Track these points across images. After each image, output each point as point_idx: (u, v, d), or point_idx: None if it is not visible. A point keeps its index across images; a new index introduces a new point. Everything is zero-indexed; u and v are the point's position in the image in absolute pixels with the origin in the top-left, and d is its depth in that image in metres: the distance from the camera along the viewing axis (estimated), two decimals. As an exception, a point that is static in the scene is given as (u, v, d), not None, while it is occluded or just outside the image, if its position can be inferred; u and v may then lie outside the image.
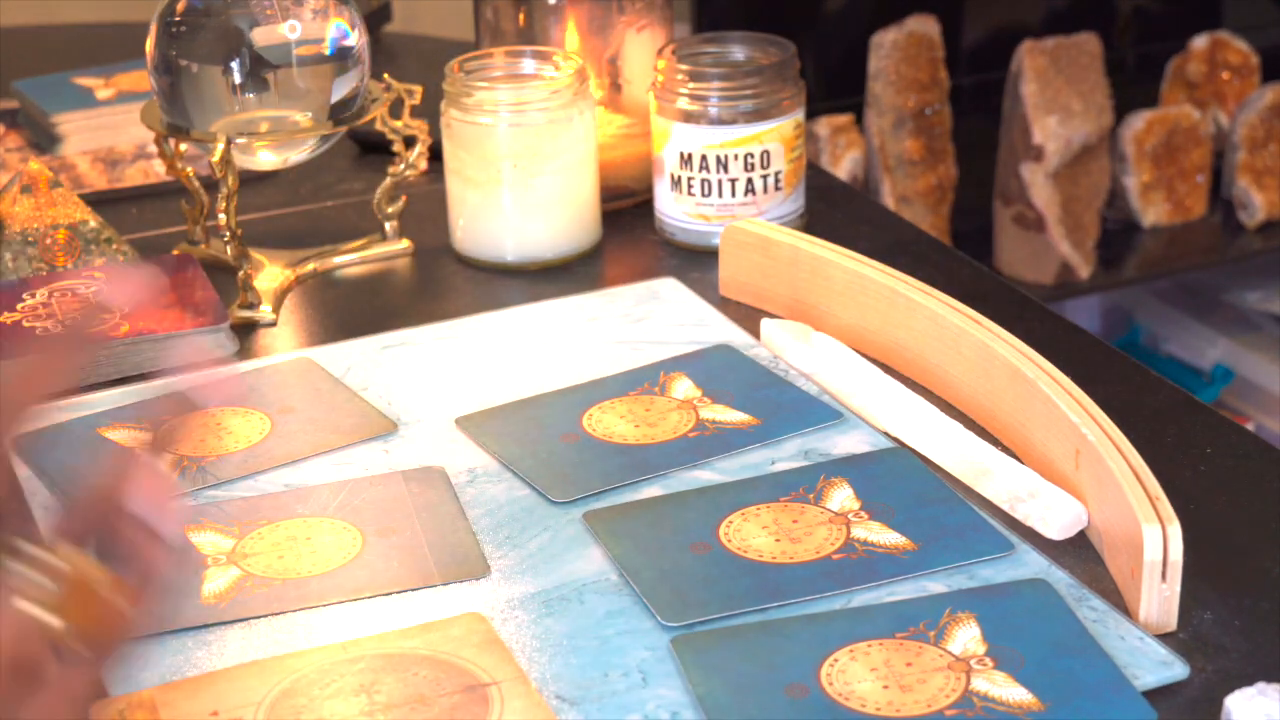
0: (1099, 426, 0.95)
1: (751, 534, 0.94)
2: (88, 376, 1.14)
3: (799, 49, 1.35)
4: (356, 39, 1.27)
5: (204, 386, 0.67)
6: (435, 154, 1.39)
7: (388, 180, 1.36)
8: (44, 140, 1.56)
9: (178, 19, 1.25)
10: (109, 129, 1.54)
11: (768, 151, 1.31)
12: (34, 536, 0.56)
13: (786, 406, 1.08)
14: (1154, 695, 0.82)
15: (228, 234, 1.27)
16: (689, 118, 1.31)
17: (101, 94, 1.59)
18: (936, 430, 1.05)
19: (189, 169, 1.35)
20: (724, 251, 1.26)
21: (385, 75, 1.35)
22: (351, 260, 1.35)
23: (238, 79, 1.24)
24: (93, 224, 1.31)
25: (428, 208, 1.41)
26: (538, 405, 1.10)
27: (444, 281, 1.32)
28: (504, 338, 1.20)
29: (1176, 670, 0.84)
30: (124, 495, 0.58)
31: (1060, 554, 0.94)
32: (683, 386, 1.11)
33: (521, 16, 1.40)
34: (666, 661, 0.85)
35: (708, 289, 1.26)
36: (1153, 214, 2.42)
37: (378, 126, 1.33)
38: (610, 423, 1.07)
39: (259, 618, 0.90)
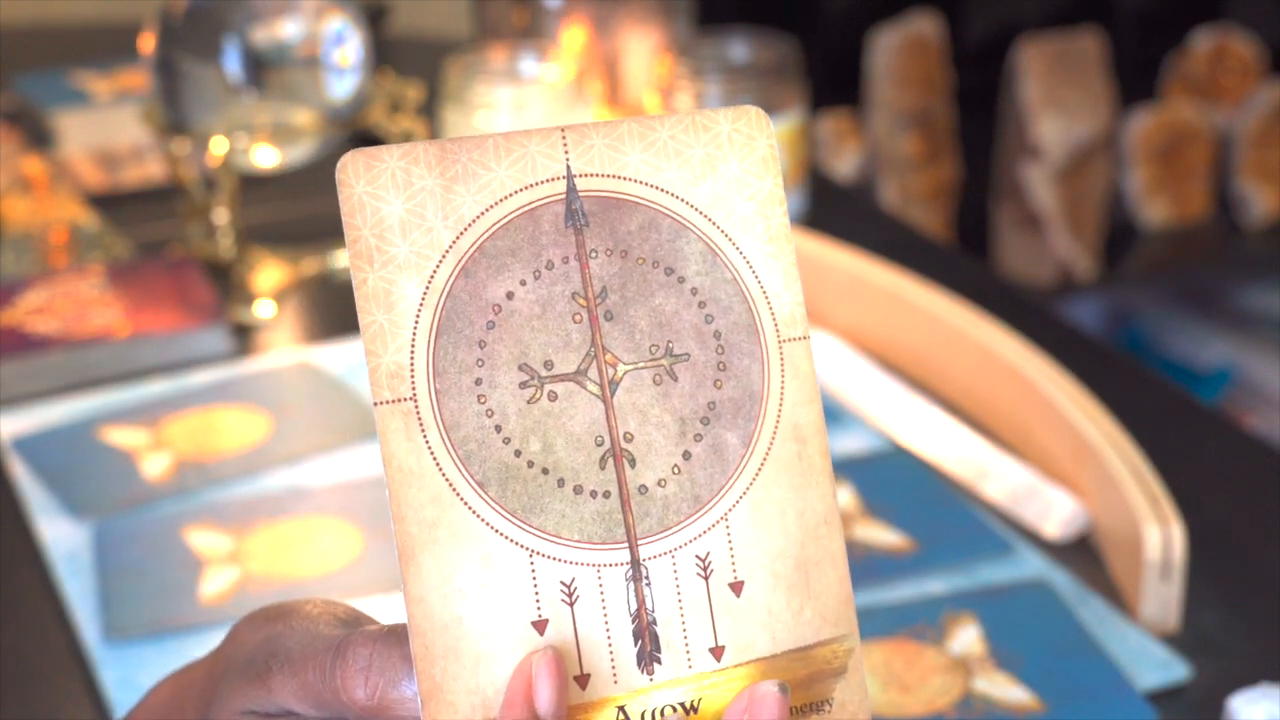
0: (1099, 427, 0.95)
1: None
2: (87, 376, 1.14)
3: (799, 47, 1.35)
4: (356, 38, 1.27)
5: None
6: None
7: (387, 179, 1.36)
8: (42, 139, 1.56)
9: (177, 18, 1.25)
10: (108, 128, 1.53)
11: (768, 151, 1.31)
12: None
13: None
14: (1156, 696, 0.82)
15: (226, 233, 1.27)
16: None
17: (101, 93, 1.58)
18: (936, 430, 1.05)
19: (188, 168, 1.34)
20: (724, 251, 1.25)
21: (385, 74, 1.35)
22: (351, 260, 1.35)
23: (237, 78, 1.24)
24: (91, 224, 1.31)
25: (427, 207, 1.41)
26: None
27: (444, 281, 1.31)
28: (504, 337, 1.20)
29: (1177, 671, 0.84)
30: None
31: (1060, 554, 0.94)
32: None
33: (522, 15, 1.40)
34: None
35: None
36: (1153, 213, 2.41)
37: (377, 125, 1.33)
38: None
39: (258, 618, 0.90)
